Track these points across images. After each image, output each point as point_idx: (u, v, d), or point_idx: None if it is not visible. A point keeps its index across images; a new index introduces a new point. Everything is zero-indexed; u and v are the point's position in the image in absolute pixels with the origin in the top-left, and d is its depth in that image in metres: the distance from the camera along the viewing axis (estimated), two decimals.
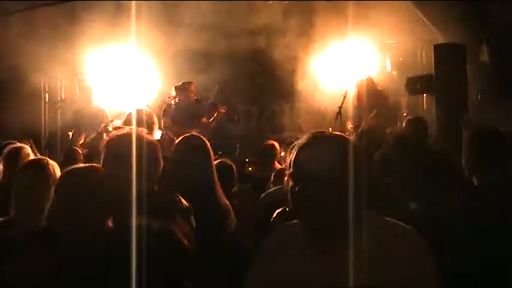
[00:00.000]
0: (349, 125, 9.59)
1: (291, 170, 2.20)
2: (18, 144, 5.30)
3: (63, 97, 11.72)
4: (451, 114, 6.70)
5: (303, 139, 2.24)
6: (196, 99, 9.19)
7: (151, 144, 3.16)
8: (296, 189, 2.16)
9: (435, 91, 7.43)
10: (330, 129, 10.09)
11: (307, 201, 2.13)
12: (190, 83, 9.32)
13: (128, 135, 3.04)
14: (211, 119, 9.44)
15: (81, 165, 2.95)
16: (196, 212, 3.32)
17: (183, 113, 9.03)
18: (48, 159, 3.61)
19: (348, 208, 2.11)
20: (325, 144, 2.18)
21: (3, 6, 8.94)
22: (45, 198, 3.23)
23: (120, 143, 3.03)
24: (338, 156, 2.14)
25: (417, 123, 6.39)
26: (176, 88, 9.43)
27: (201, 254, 3.03)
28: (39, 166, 3.51)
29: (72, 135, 9.56)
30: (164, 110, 9.25)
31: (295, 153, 2.21)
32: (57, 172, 3.50)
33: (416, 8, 7.70)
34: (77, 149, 7.22)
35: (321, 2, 8.96)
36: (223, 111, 9.65)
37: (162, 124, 8.99)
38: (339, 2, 9.06)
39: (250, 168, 7.89)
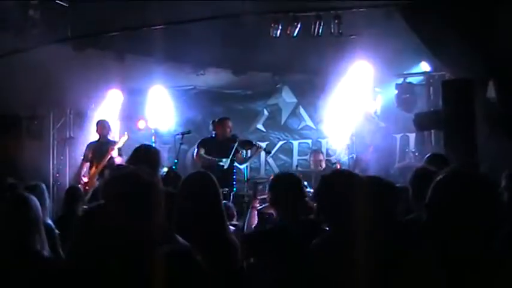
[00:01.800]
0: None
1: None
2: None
3: (72, 134, 11.76)
4: (460, 150, 6.66)
5: (444, 174, 2.31)
6: (232, 135, 9.38)
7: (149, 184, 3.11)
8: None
9: (443, 127, 7.40)
10: (338, 166, 10.15)
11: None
12: (227, 118, 9.52)
13: (123, 176, 3.00)
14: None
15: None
16: (204, 248, 3.28)
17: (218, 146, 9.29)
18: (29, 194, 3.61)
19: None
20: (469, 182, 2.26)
21: (15, 43, 9.03)
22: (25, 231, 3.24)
23: (115, 183, 2.97)
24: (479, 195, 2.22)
25: (438, 159, 6.33)
26: (214, 123, 9.65)
27: None
28: (19, 200, 3.50)
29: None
30: (201, 142, 9.47)
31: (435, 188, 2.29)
32: (38, 206, 3.49)
33: (424, 44, 7.73)
34: (78, 186, 7.26)
35: (327, 37, 8.99)
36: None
37: (196, 152, 9.34)
38: (346, 38, 9.13)
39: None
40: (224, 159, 8.99)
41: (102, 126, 10.05)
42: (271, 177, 4.54)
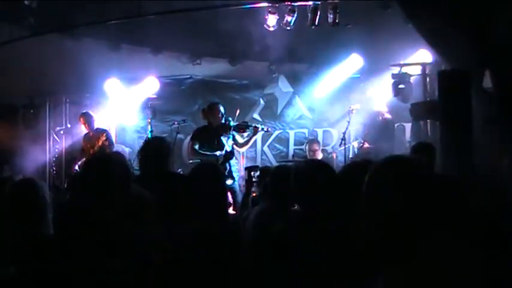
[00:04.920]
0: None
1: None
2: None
3: (68, 123, 11.76)
4: (456, 140, 6.68)
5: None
6: (225, 120, 9.23)
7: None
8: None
9: (439, 117, 7.42)
10: (334, 155, 10.19)
11: None
12: (215, 103, 9.31)
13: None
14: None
15: None
16: (204, 242, 3.32)
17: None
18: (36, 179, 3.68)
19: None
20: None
21: (11, 33, 9.03)
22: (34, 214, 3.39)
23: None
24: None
25: (424, 148, 6.34)
26: (203, 111, 9.44)
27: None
28: (29, 185, 3.56)
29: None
30: (194, 135, 9.32)
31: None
32: (47, 191, 3.56)
33: (420, 34, 7.73)
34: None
35: (324, 27, 9.00)
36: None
37: (190, 146, 9.05)
38: (343, 27, 9.14)
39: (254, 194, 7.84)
40: (218, 152, 8.80)
41: (84, 119, 9.98)
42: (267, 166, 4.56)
